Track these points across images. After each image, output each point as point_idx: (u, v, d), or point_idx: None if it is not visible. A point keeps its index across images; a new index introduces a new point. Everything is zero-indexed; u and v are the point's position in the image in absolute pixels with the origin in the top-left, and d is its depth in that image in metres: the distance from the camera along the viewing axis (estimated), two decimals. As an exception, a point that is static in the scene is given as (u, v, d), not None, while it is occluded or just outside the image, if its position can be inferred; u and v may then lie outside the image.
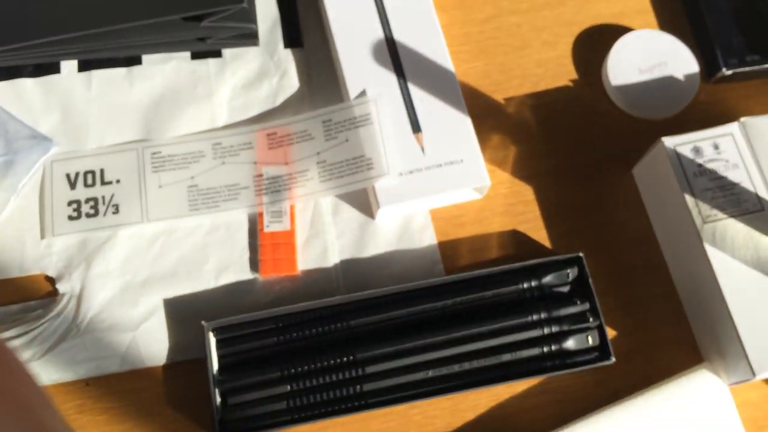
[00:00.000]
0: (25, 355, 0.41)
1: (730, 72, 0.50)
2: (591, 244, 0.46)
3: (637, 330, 0.45)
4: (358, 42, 0.47)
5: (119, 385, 0.42)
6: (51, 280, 0.43)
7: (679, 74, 0.50)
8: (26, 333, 0.41)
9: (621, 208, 0.48)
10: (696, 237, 0.41)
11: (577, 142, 0.50)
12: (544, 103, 0.50)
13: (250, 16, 0.48)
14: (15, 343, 0.41)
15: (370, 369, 0.41)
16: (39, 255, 0.44)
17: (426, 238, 0.46)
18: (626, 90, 0.50)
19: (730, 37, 0.50)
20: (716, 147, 0.43)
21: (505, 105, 0.50)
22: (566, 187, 0.48)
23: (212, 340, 0.41)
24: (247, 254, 0.45)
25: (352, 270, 0.45)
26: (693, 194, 0.42)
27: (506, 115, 0.50)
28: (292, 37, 0.50)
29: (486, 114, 0.49)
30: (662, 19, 0.53)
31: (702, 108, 0.50)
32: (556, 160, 0.49)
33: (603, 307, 0.43)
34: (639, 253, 0.47)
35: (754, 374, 0.39)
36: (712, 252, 0.41)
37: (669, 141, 0.44)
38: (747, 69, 0.50)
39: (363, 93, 0.46)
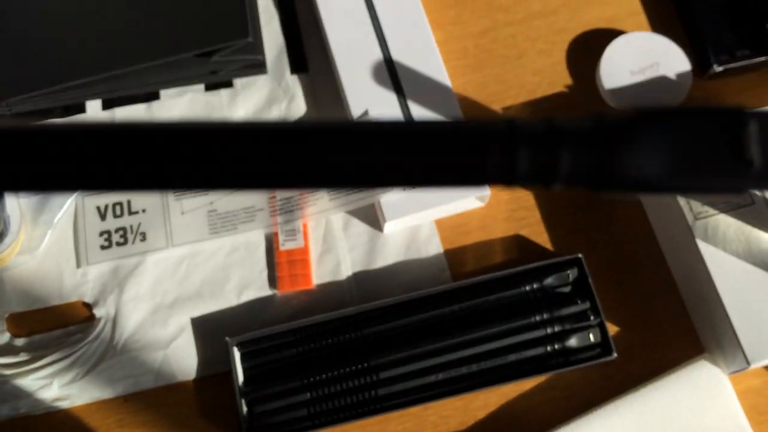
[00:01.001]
0: (68, 376, 0.45)
1: (721, 68, 0.51)
2: (592, 244, 0.48)
3: (640, 325, 0.47)
4: (358, 64, 0.50)
5: (155, 400, 0.45)
6: (88, 306, 0.47)
7: (671, 73, 0.51)
8: (68, 356, 0.45)
9: (621, 208, 0.50)
10: (689, 233, 0.43)
11: (575, 145, 0.51)
12: (542, 109, 0.52)
13: (256, 47, 0.51)
14: (58, 366, 0.45)
15: (384, 374, 0.44)
16: (76, 283, 0.47)
17: (432, 247, 0.48)
18: (620, 92, 0.51)
19: (720, 33, 0.52)
20: (706, 145, 0.45)
21: (504, 114, 0.52)
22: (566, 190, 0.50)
23: (236, 354, 0.44)
24: (265, 272, 0.48)
25: (364, 281, 0.48)
26: (684, 193, 0.44)
27: (505, 124, 0.52)
28: (298, 64, 0.53)
29: (485, 124, 0.52)
30: (653, 19, 0.55)
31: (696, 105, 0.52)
32: (554, 165, 0.51)
33: (606, 304, 0.45)
34: (640, 251, 0.49)
35: (748, 363, 0.41)
36: (704, 247, 0.43)
37: (659, 142, 0.45)
38: (738, 64, 0.51)
39: (365, 113, 0.49)
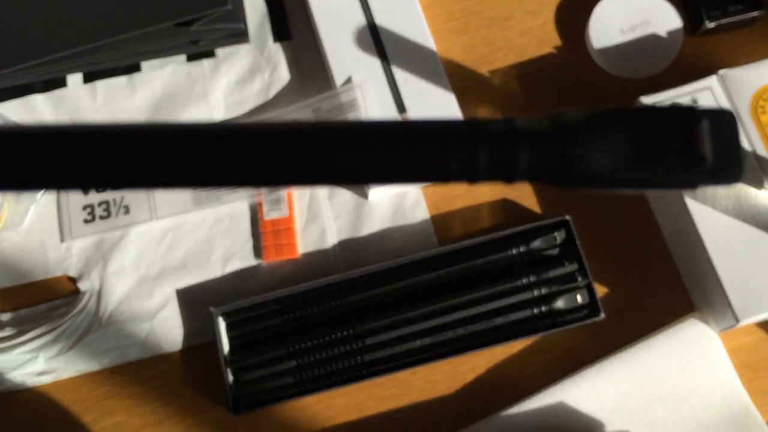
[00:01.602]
0: (54, 350, 0.45)
1: (713, 24, 0.50)
2: (581, 206, 0.47)
3: (630, 285, 0.46)
4: (341, 30, 0.49)
5: (141, 371, 0.45)
6: (73, 280, 0.47)
7: (662, 31, 0.50)
8: (54, 329, 0.45)
9: (610, 169, 0.49)
10: (677, 192, 0.42)
11: (564, 107, 0.50)
12: (530, 72, 0.51)
13: (237, 16, 0.50)
14: (44, 339, 0.45)
15: (370, 340, 0.44)
16: (60, 257, 0.47)
17: (419, 213, 0.48)
18: (609, 52, 0.50)
19: (712, -12, 0.50)
20: (695, 102, 0.44)
21: (491, 77, 0.52)
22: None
23: (222, 324, 0.44)
24: (250, 242, 0.47)
25: (349, 249, 0.47)
26: (672, 150, 0.43)
27: (492, 87, 0.51)
28: (281, 32, 0.52)
29: (473, 88, 0.51)
30: (644, -23, 0.53)
31: (688, 62, 0.50)
32: (542, 128, 0.50)
33: (594, 265, 0.45)
34: (630, 213, 0.48)
35: (737, 320, 0.40)
36: (693, 206, 0.42)
37: (647, 100, 0.44)
38: (730, 20, 0.50)
39: (349, 80, 0.48)
